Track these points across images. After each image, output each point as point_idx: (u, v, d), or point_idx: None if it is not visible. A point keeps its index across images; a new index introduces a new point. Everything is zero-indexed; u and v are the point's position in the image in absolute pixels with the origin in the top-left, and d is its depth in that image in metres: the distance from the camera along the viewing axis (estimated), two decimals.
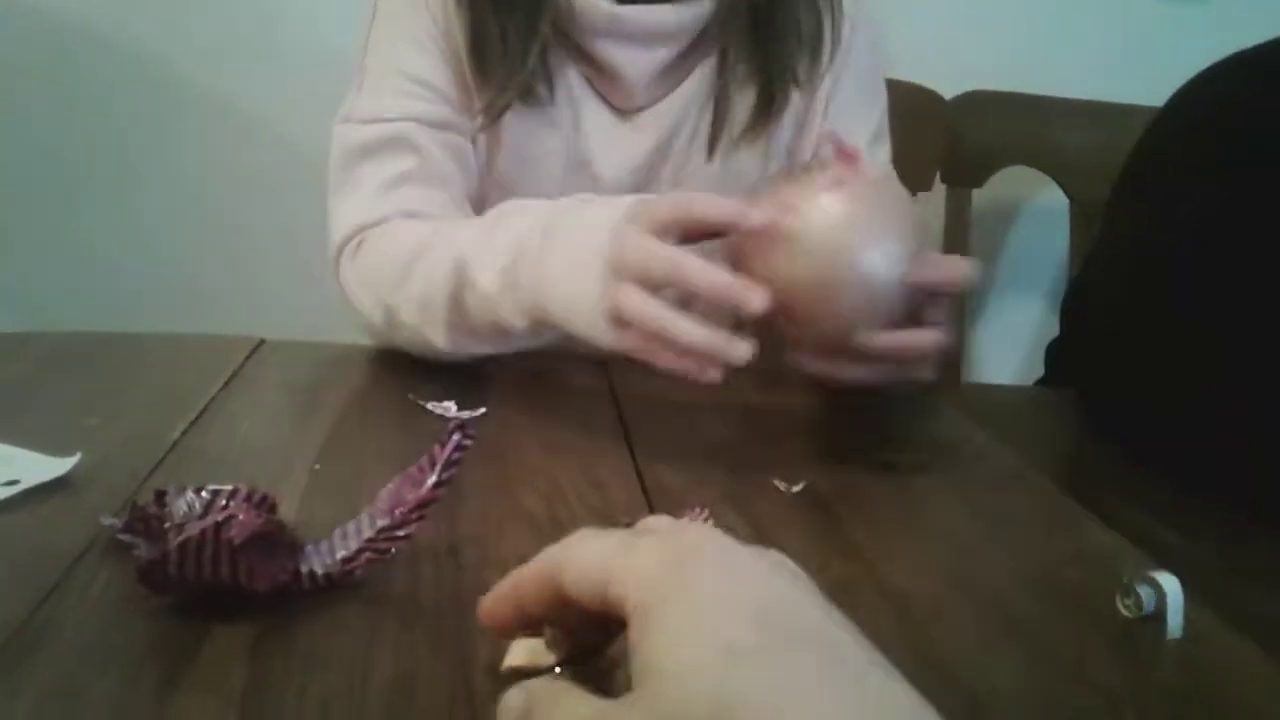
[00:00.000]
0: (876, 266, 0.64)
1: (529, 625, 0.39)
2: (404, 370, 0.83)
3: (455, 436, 0.50)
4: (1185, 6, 1.58)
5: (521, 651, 0.41)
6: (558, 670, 0.40)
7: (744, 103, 0.96)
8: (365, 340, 0.90)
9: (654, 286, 0.67)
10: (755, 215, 0.65)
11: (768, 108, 0.96)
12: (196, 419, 0.69)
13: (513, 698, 0.34)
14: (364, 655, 0.44)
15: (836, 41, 0.98)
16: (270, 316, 1.10)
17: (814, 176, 0.66)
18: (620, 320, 0.68)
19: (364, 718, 0.40)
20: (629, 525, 0.39)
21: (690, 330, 0.65)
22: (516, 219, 0.77)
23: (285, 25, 1.53)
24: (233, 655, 0.43)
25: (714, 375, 0.66)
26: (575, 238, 0.71)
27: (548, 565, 0.36)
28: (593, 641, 0.40)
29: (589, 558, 0.35)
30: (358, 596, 0.48)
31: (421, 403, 0.75)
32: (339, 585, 0.49)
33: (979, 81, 1.40)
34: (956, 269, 0.70)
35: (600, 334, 0.70)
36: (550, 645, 0.40)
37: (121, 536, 0.49)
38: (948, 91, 1.37)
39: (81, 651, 0.43)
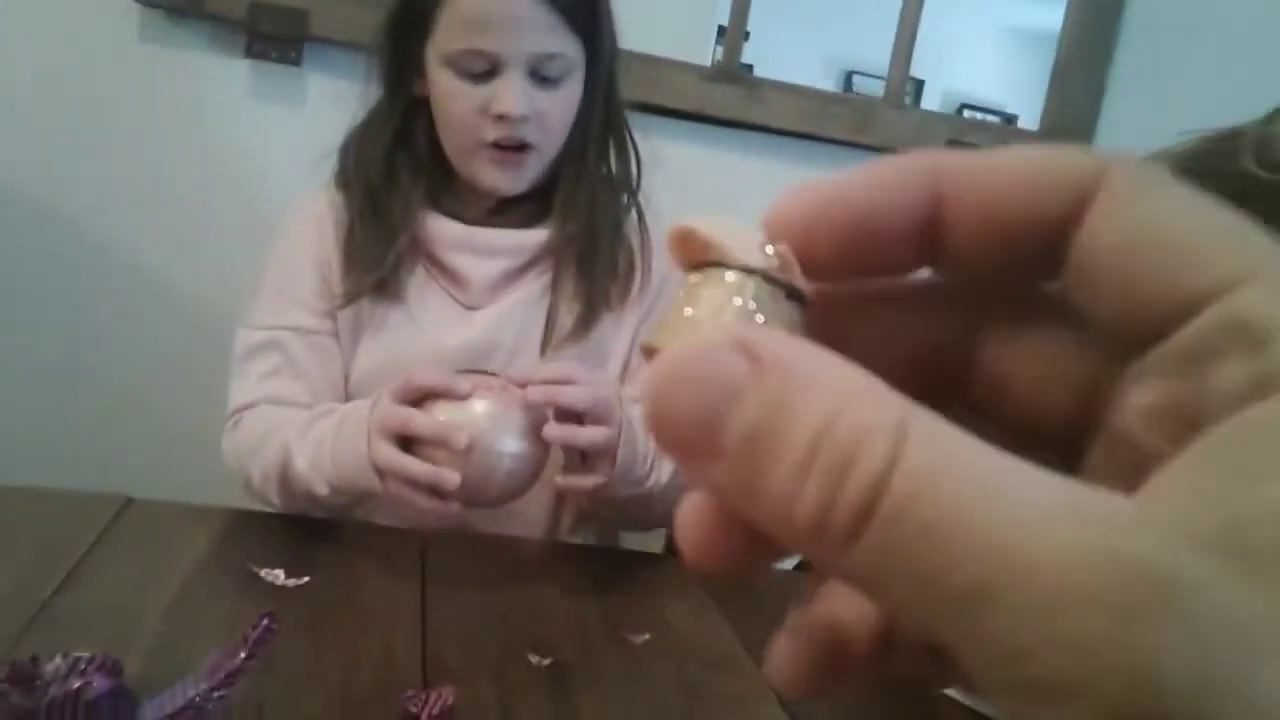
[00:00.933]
0: (488, 445, 0.94)
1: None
2: (247, 535, 1.00)
3: (264, 623, 0.68)
4: None
5: (729, 237, 0.22)
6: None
7: (569, 315, 1.19)
8: (218, 499, 1.07)
9: (398, 439, 0.95)
10: (462, 385, 0.96)
11: (586, 324, 1.19)
12: (65, 579, 0.85)
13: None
14: None
15: (646, 274, 1.22)
16: (139, 474, 1.26)
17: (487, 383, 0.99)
18: (380, 471, 0.95)
19: None
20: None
21: (414, 466, 0.93)
22: (325, 419, 1.05)
23: (200, 199, 1.71)
24: None
25: (455, 509, 0.95)
26: (356, 417, 1.00)
27: (922, 158, 0.21)
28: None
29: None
30: None
31: (256, 569, 0.91)
32: None
33: None
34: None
35: (375, 485, 0.96)
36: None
37: (2, 686, 0.65)
38: None
39: None
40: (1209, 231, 0.18)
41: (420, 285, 1.20)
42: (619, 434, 0.99)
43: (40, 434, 1.71)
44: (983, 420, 0.22)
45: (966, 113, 5.58)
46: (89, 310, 1.72)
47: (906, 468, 0.16)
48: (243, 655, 0.67)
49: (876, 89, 2.14)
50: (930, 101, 5.75)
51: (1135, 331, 0.19)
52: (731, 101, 1.70)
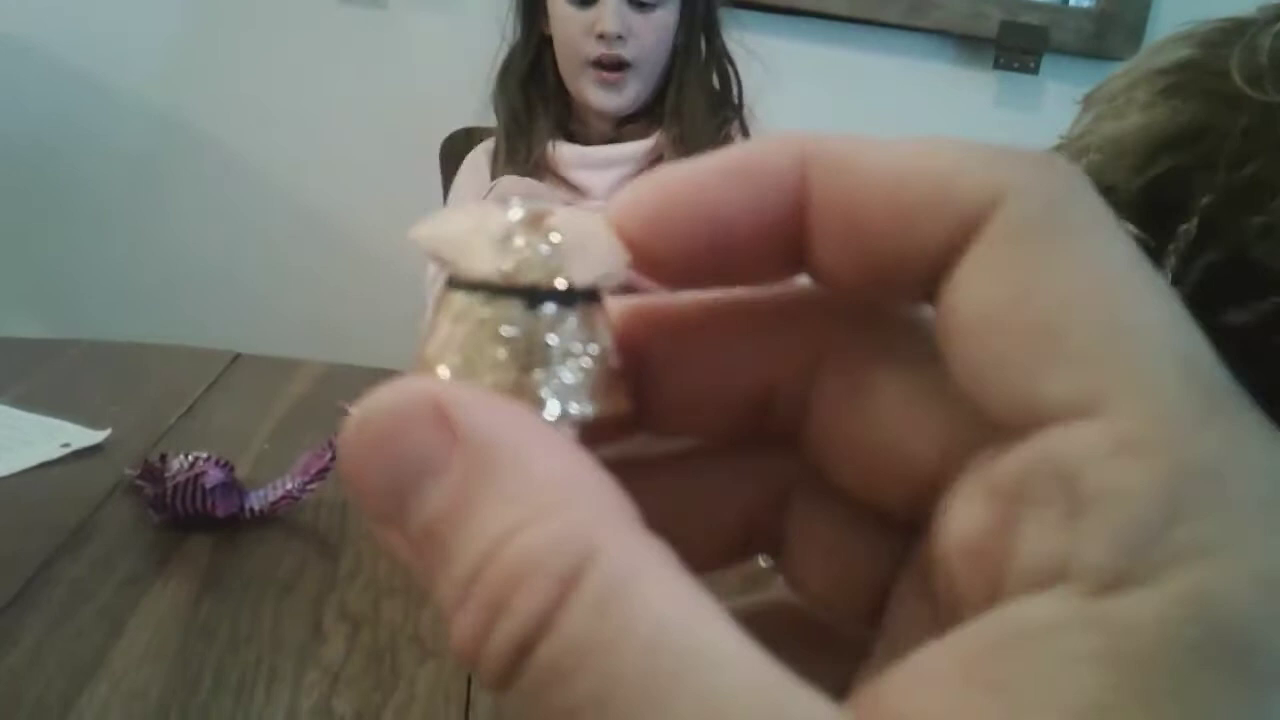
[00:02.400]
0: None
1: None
2: (340, 381, 1.15)
3: None
4: (1015, 112, 1.91)
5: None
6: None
7: None
8: (304, 352, 1.22)
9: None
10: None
11: None
12: (188, 410, 1.01)
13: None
14: (276, 558, 0.76)
15: None
16: (248, 332, 1.42)
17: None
18: None
19: (271, 586, 0.71)
20: None
21: None
22: None
23: (285, 96, 1.86)
24: (201, 551, 0.75)
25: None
26: None
27: (793, 145, 0.17)
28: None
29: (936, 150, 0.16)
30: (278, 524, 0.80)
31: (346, 406, 1.06)
32: (268, 517, 0.80)
33: None
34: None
35: None
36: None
37: (137, 482, 0.81)
38: None
39: (113, 547, 0.75)
40: (1084, 324, 0.14)
41: (550, 198, 1.37)
42: None
43: (172, 302, 1.91)
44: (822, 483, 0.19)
45: None
46: (223, 199, 1.90)
47: (563, 632, 0.13)
48: (329, 456, 0.82)
49: None
50: None
51: (984, 419, 0.15)
52: None
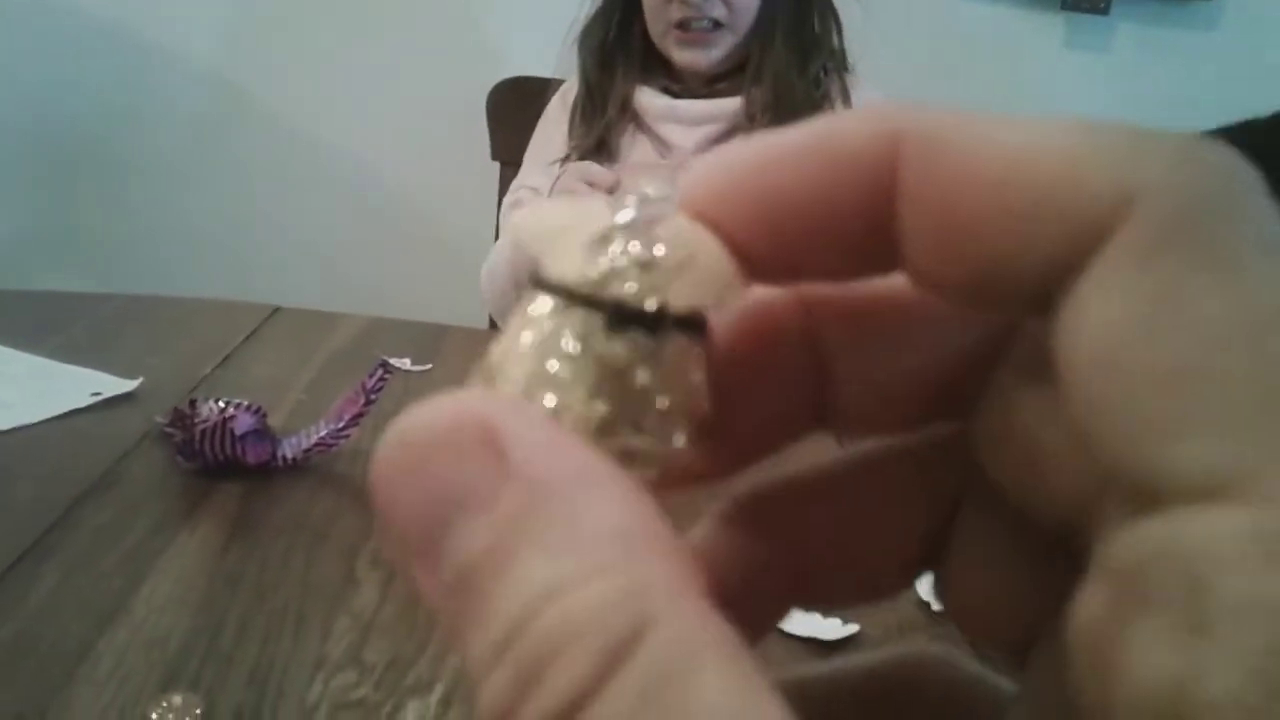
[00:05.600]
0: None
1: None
2: (380, 335, 1.11)
3: (378, 371, 0.78)
4: (1085, 54, 1.82)
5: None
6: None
7: None
8: (348, 310, 1.19)
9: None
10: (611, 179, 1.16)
11: None
12: (223, 360, 0.98)
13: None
14: (309, 505, 0.72)
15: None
16: (288, 286, 1.39)
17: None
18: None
19: (303, 534, 0.68)
20: None
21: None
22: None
23: (327, 49, 1.83)
24: (231, 499, 0.72)
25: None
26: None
27: (881, 122, 0.14)
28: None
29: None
30: (312, 472, 0.77)
31: (385, 358, 1.02)
32: (301, 465, 0.77)
33: None
34: None
35: None
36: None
37: (167, 429, 0.78)
38: None
39: (140, 494, 0.71)
40: (1229, 373, 0.11)
41: (632, 148, 1.33)
42: None
43: (213, 256, 1.89)
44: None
45: None
46: (266, 156, 1.88)
47: (600, 712, 0.11)
48: (363, 401, 0.78)
49: None
50: None
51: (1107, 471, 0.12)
52: None
